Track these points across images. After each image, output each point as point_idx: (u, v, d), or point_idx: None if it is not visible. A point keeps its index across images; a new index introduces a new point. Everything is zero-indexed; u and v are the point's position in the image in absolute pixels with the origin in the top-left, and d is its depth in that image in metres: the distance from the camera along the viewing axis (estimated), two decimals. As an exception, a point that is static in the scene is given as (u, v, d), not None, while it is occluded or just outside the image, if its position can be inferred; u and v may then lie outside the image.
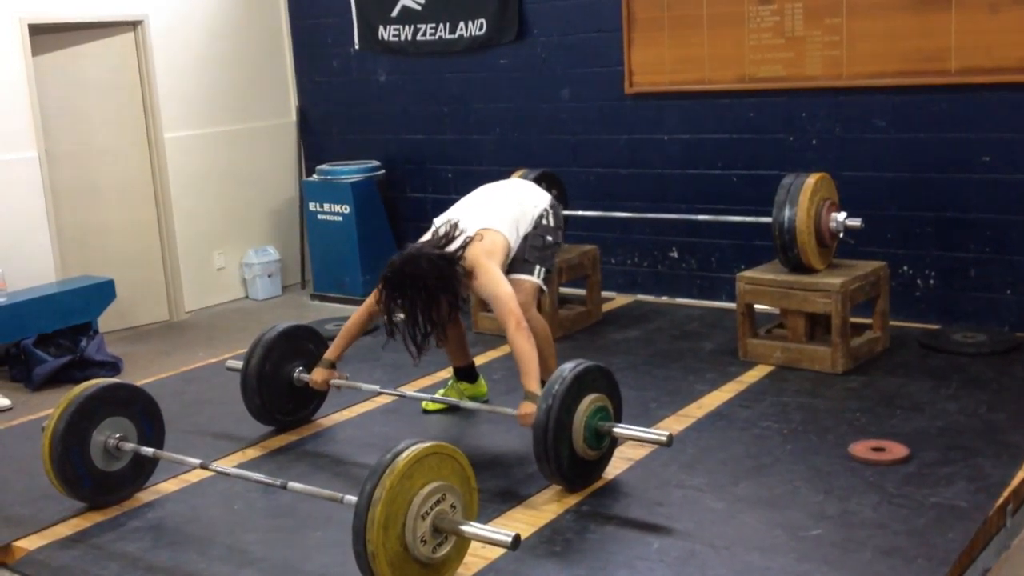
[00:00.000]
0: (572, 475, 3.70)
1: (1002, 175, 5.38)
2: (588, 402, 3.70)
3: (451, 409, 4.56)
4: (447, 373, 4.92)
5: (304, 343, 4.51)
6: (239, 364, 4.49)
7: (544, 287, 4.31)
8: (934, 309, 5.64)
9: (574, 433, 3.65)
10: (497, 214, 4.19)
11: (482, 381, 4.66)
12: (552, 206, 4.42)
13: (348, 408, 4.75)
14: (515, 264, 4.23)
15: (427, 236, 4.11)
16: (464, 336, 4.59)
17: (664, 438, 3.65)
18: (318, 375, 4.34)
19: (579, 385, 3.68)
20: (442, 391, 4.59)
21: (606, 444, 3.79)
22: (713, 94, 6.18)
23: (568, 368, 3.71)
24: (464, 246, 3.95)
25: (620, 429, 3.76)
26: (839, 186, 5.24)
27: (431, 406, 4.56)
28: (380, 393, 4.49)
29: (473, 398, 4.58)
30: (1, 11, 6.49)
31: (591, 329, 5.80)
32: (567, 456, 3.65)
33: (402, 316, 3.87)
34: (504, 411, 4.02)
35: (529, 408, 3.75)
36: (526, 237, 4.27)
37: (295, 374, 4.44)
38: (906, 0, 5.45)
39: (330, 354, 4.36)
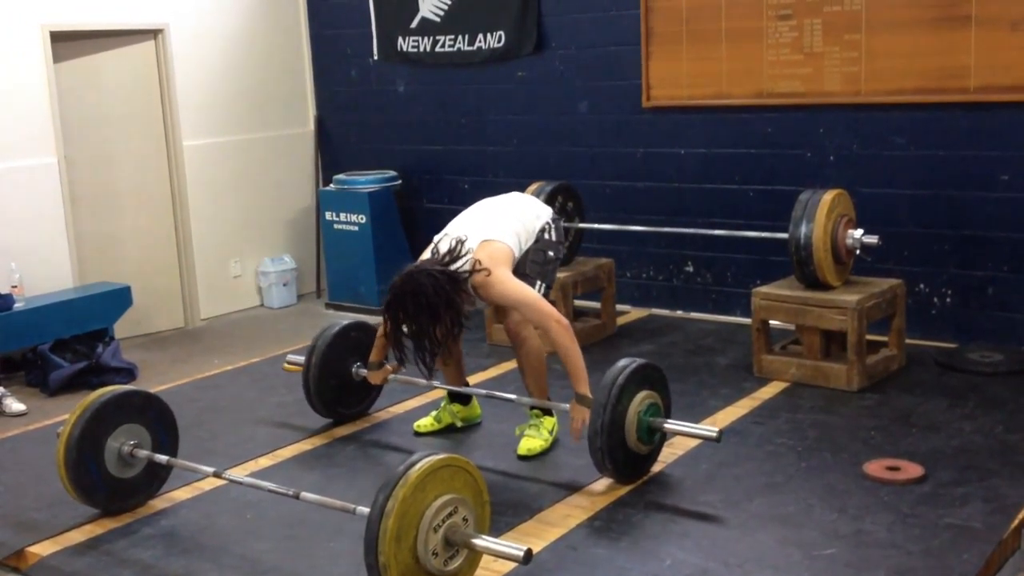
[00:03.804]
0: (625, 469, 3.84)
1: (1021, 193, 5.35)
2: (640, 398, 3.82)
3: (467, 423, 4.57)
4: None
5: (362, 339, 4.59)
6: (300, 359, 4.64)
7: None
8: (951, 327, 5.62)
9: (627, 428, 3.77)
10: (500, 226, 4.11)
11: (476, 403, 4.59)
12: (554, 219, 4.34)
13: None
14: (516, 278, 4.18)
15: (427, 253, 4.02)
16: (461, 357, 4.52)
17: (714, 434, 3.78)
18: (375, 378, 4.46)
19: (632, 381, 3.80)
20: (435, 412, 4.56)
21: (657, 439, 3.91)
22: (731, 109, 6.17)
23: (621, 365, 3.84)
24: (472, 268, 3.87)
25: (670, 424, 3.87)
26: (856, 203, 5.23)
27: (423, 428, 4.53)
28: (436, 387, 4.50)
29: (466, 421, 4.55)
30: (24, 18, 6.55)
31: (605, 342, 5.79)
32: (621, 450, 3.78)
33: (408, 337, 3.83)
34: (560, 406, 4.09)
35: (582, 413, 3.84)
36: (527, 251, 4.19)
37: (353, 369, 4.57)
38: (925, 17, 5.44)
39: (374, 357, 4.40)
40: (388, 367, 4.43)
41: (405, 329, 3.78)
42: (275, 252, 8.10)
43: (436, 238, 4.10)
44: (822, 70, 5.80)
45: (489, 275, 3.89)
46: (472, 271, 3.87)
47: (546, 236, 4.26)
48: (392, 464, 3.35)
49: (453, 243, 3.92)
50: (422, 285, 3.69)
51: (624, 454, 3.82)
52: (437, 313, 3.71)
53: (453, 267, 3.82)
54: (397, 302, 3.73)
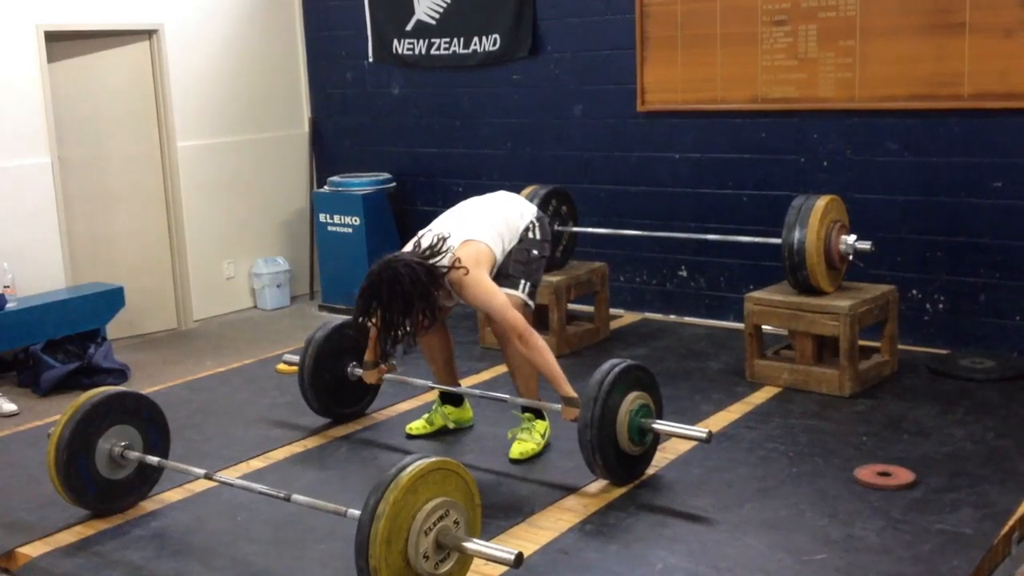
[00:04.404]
0: (618, 470, 3.85)
1: (1013, 200, 5.37)
2: (631, 399, 3.83)
3: (459, 425, 4.57)
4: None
5: (358, 338, 4.58)
6: (296, 359, 4.64)
7: (530, 302, 4.21)
8: (943, 334, 5.63)
9: (619, 430, 3.78)
10: (482, 226, 4.11)
11: (467, 405, 4.59)
12: (539, 218, 4.33)
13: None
14: (499, 278, 4.13)
15: (409, 247, 4.04)
16: (452, 358, 4.51)
17: (704, 435, 3.78)
18: (370, 377, 4.46)
19: (622, 383, 3.81)
20: (427, 415, 4.56)
21: (649, 440, 3.91)
22: (725, 114, 6.19)
23: (612, 363, 3.85)
24: (451, 265, 3.87)
25: (660, 425, 3.88)
26: (850, 208, 5.24)
27: (415, 430, 4.53)
28: (432, 388, 4.52)
29: (458, 423, 4.54)
30: (18, 18, 6.54)
31: (598, 346, 5.79)
32: (612, 450, 3.79)
33: (375, 326, 3.84)
34: (551, 407, 4.09)
35: (572, 414, 3.87)
36: (511, 252, 4.19)
37: (348, 369, 4.58)
38: (920, 24, 5.45)
39: (369, 356, 4.40)
40: (383, 367, 4.43)
41: (374, 318, 3.79)
42: (268, 254, 8.10)
43: (419, 233, 4.12)
44: (816, 76, 5.81)
45: (467, 274, 3.90)
46: (451, 267, 3.88)
47: (530, 235, 4.26)
48: (384, 466, 3.35)
49: (435, 239, 3.94)
50: (399, 274, 3.71)
51: (616, 454, 3.82)
52: (411, 303, 3.72)
53: (432, 261, 3.84)
54: (372, 288, 3.75)
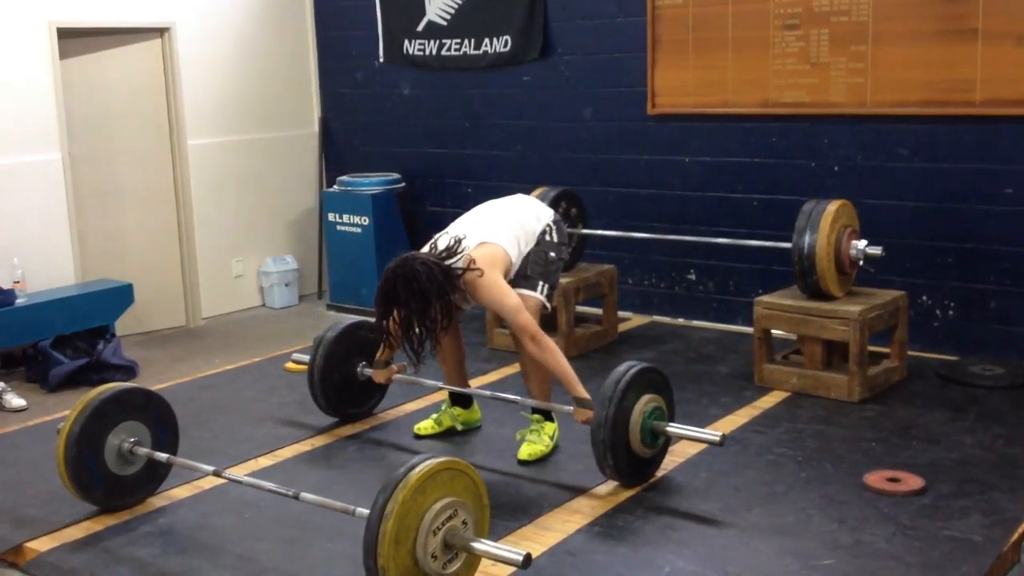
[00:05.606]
0: (629, 472, 3.86)
1: (1024, 207, 5.36)
2: (644, 402, 3.85)
3: (467, 426, 4.57)
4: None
5: (369, 338, 4.58)
6: (305, 358, 4.67)
7: (548, 304, 4.24)
8: (952, 340, 5.62)
9: (631, 431, 3.80)
10: (497, 229, 4.14)
11: (476, 407, 4.60)
12: (555, 221, 4.36)
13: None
14: (517, 280, 4.16)
15: (425, 249, 4.05)
16: (464, 359, 4.53)
17: (717, 438, 3.80)
18: (380, 377, 4.47)
19: (636, 385, 3.83)
20: (435, 415, 4.56)
21: (660, 443, 3.93)
22: (736, 118, 6.18)
23: (628, 364, 3.88)
24: (467, 266, 3.88)
25: (673, 428, 3.90)
26: (860, 214, 5.23)
27: (423, 430, 4.53)
28: (441, 388, 4.52)
29: (466, 424, 4.55)
30: (31, 14, 6.55)
31: (606, 348, 5.79)
32: (624, 451, 3.80)
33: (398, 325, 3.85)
34: (561, 408, 4.09)
35: (584, 415, 3.88)
36: (528, 254, 4.20)
37: (358, 369, 4.59)
38: (932, 30, 5.44)
39: (381, 356, 4.41)
40: (394, 367, 4.44)
41: (395, 315, 3.81)
42: (277, 252, 8.10)
43: (436, 236, 4.13)
44: (828, 81, 5.80)
45: (482, 276, 3.91)
46: (466, 269, 3.89)
47: (547, 238, 4.28)
48: (392, 466, 3.35)
49: (451, 241, 3.96)
50: (415, 271, 3.73)
51: (627, 455, 3.82)
52: (428, 301, 3.74)
53: (448, 262, 3.85)
54: (389, 285, 3.77)
